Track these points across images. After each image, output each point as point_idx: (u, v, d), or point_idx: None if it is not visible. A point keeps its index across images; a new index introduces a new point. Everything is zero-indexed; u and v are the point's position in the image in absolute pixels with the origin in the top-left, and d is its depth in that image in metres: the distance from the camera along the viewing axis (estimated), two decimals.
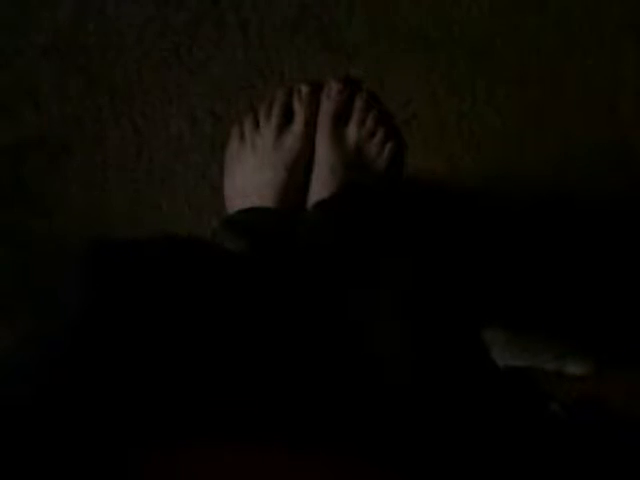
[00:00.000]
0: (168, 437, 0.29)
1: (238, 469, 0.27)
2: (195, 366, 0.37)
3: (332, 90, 0.85)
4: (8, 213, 0.94)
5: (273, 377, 0.35)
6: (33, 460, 0.27)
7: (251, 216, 0.74)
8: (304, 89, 0.85)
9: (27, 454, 0.27)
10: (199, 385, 0.35)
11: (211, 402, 0.34)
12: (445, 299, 0.41)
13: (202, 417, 0.32)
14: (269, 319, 0.41)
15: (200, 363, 0.37)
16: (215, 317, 0.40)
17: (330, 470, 0.27)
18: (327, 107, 0.84)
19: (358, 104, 0.84)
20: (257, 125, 0.85)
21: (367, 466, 0.27)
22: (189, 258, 0.48)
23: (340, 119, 0.84)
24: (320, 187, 0.81)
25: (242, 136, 0.86)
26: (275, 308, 0.42)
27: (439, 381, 0.35)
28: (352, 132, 0.83)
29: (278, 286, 0.44)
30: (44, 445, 0.27)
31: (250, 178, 0.83)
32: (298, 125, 0.83)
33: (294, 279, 0.46)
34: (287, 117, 0.85)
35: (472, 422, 0.33)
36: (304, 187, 0.84)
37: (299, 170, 0.83)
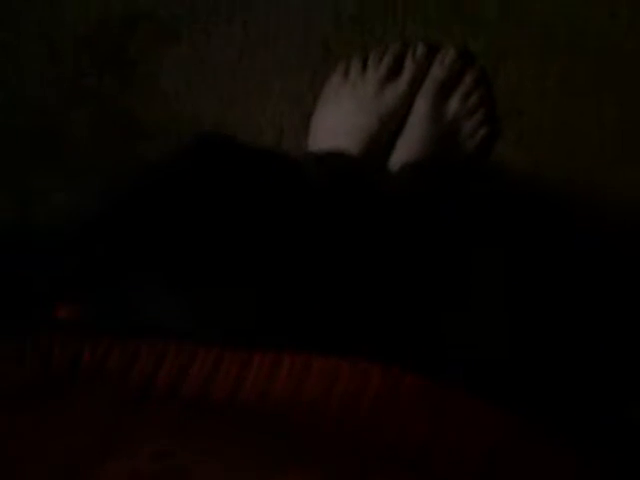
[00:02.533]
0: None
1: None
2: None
3: (447, 57, 0.85)
4: (101, 83, 0.96)
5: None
6: None
7: (337, 158, 0.76)
8: (420, 48, 0.85)
9: None
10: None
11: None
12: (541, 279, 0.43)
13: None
14: (342, 254, 0.42)
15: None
16: (283, 236, 0.42)
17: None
18: (437, 72, 0.84)
19: (467, 79, 0.85)
20: (365, 68, 0.86)
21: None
22: (280, 174, 0.50)
23: (446, 88, 0.84)
24: (407, 148, 0.82)
25: (347, 74, 0.87)
26: (349, 245, 0.43)
27: (534, 357, 0.37)
28: (453, 105, 0.84)
29: (355, 227, 0.46)
30: None
31: (343, 118, 0.85)
32: (404, 81, 0.84)
33: (372, 224, 0.47)
34: (395, 70, 0.85)
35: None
36: (390, 142, 0.85)
37: (392, 125, 0.84)
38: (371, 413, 0.29)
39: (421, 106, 0.83)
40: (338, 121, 0.85)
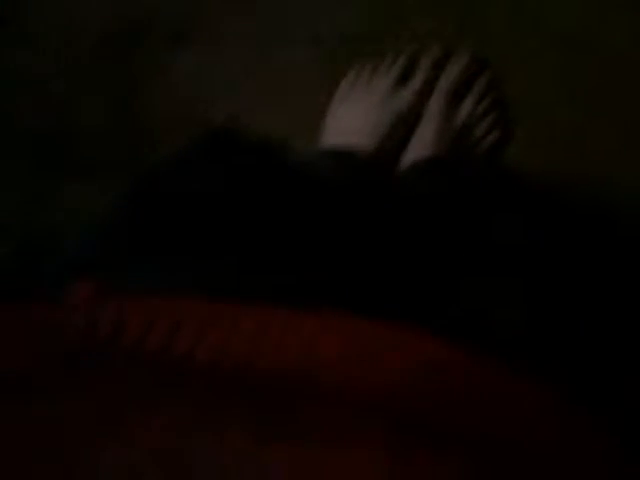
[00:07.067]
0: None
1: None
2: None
3: (461, 60, 0.86)
4: (123, 85, 0.97)
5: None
6: None
7: (350, 155, 0.76)
8: (436, 50, 0.87)
9: None
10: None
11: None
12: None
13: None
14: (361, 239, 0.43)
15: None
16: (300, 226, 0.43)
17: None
18: (451, 74, 0.85)
19: (481, 83, 0.86)
20: (379, 69, 0.87)
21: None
22: (290, 169, 0.51)
23: (459, 91, 0.85)
24: (420, 147, 0.83)
25: (362, 73, 0.88)
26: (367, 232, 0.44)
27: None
28: (466, 107, 0.85)
29: (367, 218, 0.46)
30: None
31: (356, 116, 0.86)
32: (418, 82, 0.85)
33: (386, 217, 0.48)
34: (410, 71, 0.86)
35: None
36: (403, 141, 0.85)
37: (403, 124, 0.85)
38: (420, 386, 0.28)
39: (434, 106, 0.84)
40: (351, 119, 0.86)
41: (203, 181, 0.44)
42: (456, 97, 0.84)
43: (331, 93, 0.90)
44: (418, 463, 0.22)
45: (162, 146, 0.97)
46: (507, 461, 0.25)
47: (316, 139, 0.91)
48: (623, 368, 0.37)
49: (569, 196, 0.78)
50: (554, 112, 0.84)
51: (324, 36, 0.90)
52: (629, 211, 0.82)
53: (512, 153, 0.85)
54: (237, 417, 0.24)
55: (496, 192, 0.55)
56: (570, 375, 0.32)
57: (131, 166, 0.97)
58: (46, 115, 1.00)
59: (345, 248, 0.39)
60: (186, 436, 0.23)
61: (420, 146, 0.83)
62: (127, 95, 0.98)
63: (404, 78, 0.86)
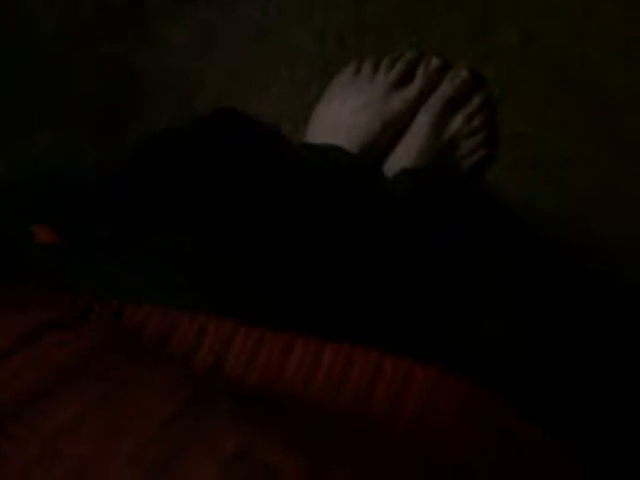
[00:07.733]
0: None
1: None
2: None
3: (459, 76, 0.85)
4: (120, 42, 0.95)
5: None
6: None
7: (335, 153, 0.75)
8: (435, 61, 0.86)
9: None
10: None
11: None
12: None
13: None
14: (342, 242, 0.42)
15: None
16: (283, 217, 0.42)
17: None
18: (446, 89, 0.85)
19: (475, 101, 0.86)
20: (376, 70, 0.86)
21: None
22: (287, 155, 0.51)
23: (451, 105, 0.84)
24: (404, 156, 0.82)
25: (358, 73, 0.87)
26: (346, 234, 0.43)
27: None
28: (456, 123, 0.84)
29: (348, 221, 0.46)
30: None
31: (345, 115, 0.85)
32: (413, 90, 0.84)
33: (367, 221, 0.47)
34: (406, 78, 0.85)
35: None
36: (387, 148, 0.85)
37: (392, 130, 0.84)
38: (412, 419, 0.28)
39: (424, 118, 0.84)
40: (340, 118, 0.85)
41: (202, 166, 0.43)
42: (447, 112, 0.84)
43: (323, 86, 0.89)
44: None
45: (149, 103, 0.96)
46: None
47: (301, 130, 0.90)
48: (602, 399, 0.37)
49: (542, 226, 0.79)
50: (543, 141, 0.84)
51: (326, 26, 0.90)
52: (600, 249, 0.82)
53: (493, 173, 0.85)
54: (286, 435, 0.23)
55: (475, 215, 0.55)
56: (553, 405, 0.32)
57: (119, 124, 0.96)
58: (40, 72, 0.98)
59: (329, 267, 0.38)
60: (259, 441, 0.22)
61: (405, 155, 0.82)
62: (123, 48, 0.96)
63: (400, 84, 0.85)
